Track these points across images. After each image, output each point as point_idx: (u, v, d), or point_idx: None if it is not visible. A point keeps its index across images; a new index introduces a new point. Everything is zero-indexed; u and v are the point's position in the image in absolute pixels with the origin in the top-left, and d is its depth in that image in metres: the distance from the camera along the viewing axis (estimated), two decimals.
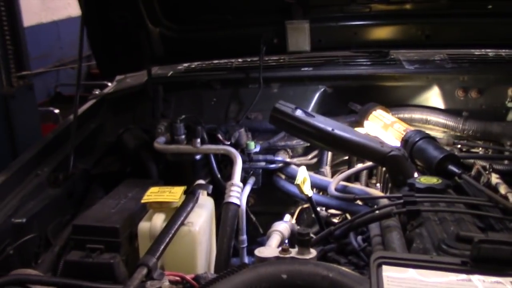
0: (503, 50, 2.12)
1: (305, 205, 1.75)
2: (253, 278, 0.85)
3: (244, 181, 1.60)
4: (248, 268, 0.88)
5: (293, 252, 0.96)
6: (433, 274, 0.77)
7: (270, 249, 1.00)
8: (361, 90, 1.97)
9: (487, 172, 1.44)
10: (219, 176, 1.70)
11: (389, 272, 0.77)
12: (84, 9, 1.78)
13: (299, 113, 1.51)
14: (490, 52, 2.14)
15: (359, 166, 1.78)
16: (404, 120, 1.79)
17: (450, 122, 1.80)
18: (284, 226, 1.28)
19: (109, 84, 2.40)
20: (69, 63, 5.45)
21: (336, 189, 1.51)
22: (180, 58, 2.19)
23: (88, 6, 1.79)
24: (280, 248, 0.98)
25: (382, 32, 2.03)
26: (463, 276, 0.76)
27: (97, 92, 2.14)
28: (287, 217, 1.42)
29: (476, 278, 0.76)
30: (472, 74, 1.90)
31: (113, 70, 2.17)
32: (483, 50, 2.16)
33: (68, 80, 5.78)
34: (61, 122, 3.43)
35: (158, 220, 1.23)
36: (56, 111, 4.28)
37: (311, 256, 0.95)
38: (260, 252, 0.98)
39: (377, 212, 1.21)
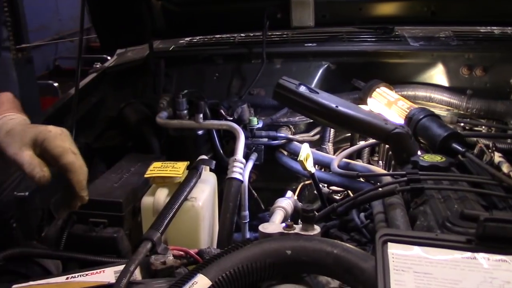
0: (509, 28, 2.10)
1: (307, 182, 1.75)
2: (258, 254, 0.85)
3: (246, 157, 1.60)
4: (252, 244, 0.88)
5: (297, 228, 0.96)
6: (438, 251, 0.77)
7: (274, 225, 1.00)
8: (365, 66, 1.95)
9: (490, 150, 1.43)
10: (221, 151, 1.70)
11: (394, 250, 0.77)
12: None
13: (303, 89, 1.50)
14: (496, 30, 2.12)
15: (362, 143, 1.78)
16: (408, 97, 1.78)
17: (454, 100, 1.79)
18: (287, 202, 1.28)
19: (110, 58, 2.38)
20: (68, 36, 5.40)
21: (338, 166, 1.51)
22: (182, 32, 2.16)
23: None
24: (284, 224, 0.98)
25: (388, 8, 2.00)
26: (468, 254, 0.76)
27: (97, 66, 2.12)
28: (289, 193, 1.42)
29: (481, 256, 0.76)
30: (477, 52, 1.87)
31: (113, 44, 2.14)
32: (489, 27, 2.13)
33: (67, 53, 5.74)
34: (61, 96, 3.41)
35: (161, 195, 1.23)
36: (56, 84, 4.25)
37: (315, 232, 0.95)
38: (264, 228, 0.98)
39: (380, 189, 1.22)
